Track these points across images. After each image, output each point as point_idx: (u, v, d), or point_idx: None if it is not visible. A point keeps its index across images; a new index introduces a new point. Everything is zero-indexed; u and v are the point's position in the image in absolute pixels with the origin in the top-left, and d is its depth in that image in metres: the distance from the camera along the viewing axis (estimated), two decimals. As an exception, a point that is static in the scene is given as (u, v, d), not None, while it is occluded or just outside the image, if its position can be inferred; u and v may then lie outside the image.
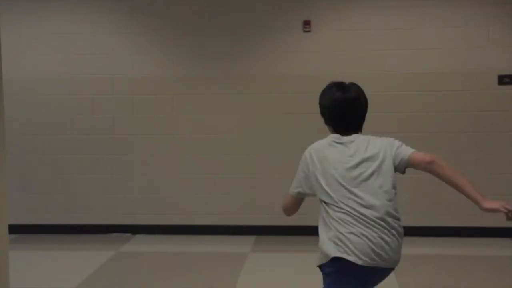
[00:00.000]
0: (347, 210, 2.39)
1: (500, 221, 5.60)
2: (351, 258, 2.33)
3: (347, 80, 2.77)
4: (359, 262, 2.33)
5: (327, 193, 2.45)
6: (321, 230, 2.48)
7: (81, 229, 5.98)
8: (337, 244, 2.37)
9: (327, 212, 2.45)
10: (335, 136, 2.62)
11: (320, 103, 2.80)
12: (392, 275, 2.30)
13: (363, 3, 5.60)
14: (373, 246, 2.34)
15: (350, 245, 2.34)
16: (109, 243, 5.66)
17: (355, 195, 2.41)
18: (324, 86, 4.97)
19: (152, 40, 5.82)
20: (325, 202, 2.47)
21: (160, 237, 5.82)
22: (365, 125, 5.77)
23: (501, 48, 5.49)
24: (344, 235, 2.36)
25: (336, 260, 2.37)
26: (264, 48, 5.71)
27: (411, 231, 5.64)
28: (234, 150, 5.81)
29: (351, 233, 2.35)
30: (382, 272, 2.47)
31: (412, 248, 5.35)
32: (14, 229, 5.53)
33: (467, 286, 4.38)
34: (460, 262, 4.94)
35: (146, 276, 4.68)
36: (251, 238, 5.70)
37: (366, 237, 2.35)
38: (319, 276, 2.58)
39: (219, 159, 5.82)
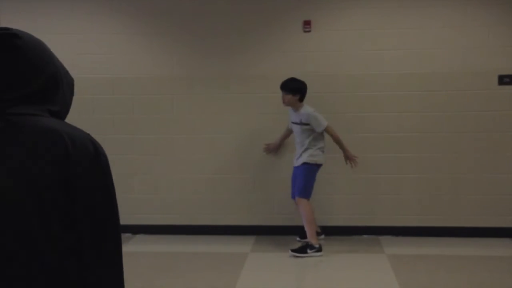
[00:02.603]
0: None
1: (500, 221, 5.64)
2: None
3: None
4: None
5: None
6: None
7: (81, 229, 5.97)
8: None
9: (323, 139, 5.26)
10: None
11: (302, 88, 5.19)
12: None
13: (363, 3, 5.60)
14: None
15: None
16: (109, 243, 5.65)
17: None
18: (324, 86, 5.10)
19: (152, 40, 5.81)
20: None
21: (160, 237, 5.82)
22: (365, 125, 5.90)
23: (501, 48, 5.49)
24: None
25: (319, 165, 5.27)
26: (264, 48, 5.71)
27: (412, 231, 5.69)
28: (234, 150, 5.81)
29: None
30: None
31: (412, 248, 5.38)
32: (14, 229, 5.53)
33: (467, 286, 4.38)
34: (460, 262, 4.94)
35: (146, 276, 4.68)
36: (251, 238, 5.70)
37: None
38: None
39: (219, 159, 5.82)
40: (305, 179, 5.16)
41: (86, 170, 1.29)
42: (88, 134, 1.36)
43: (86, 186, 1.29)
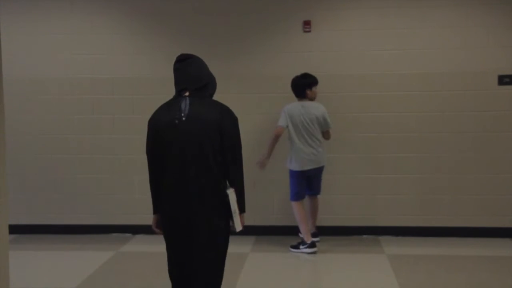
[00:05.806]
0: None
1: (500, 221, 5.64)
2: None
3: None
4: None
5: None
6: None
7: (81, 229, 5.98)
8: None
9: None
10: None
11: (291, 85, 5.23)
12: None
13: (363, 3, 5.60)
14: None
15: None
16: (109, 243, 5.65)
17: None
18: (323, 86, 5.10)
19: (152, 40, 5.81)
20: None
21: (160, 237, 5.79)
22: (365, 125, 5.88)
23: (501, 48, 5.49)
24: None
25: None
26: (264, 48, 5.70)
27: (411, 231, 5.69)
28: (234, 150, 5.81)
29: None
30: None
31: (412, 248, 5.38)
32: (14, 229, 5.52)
33: (467, 286, 4.38)
34: (460, 262, 4.94)
35: (146, 276, 4.68)
36: (251, 238, 5.70)
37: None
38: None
39: (219, 159, 5.82)
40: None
41: (227, 123, 3.03)
42: (226, 106, 3.12)
43: (228, 130, 3.03)
